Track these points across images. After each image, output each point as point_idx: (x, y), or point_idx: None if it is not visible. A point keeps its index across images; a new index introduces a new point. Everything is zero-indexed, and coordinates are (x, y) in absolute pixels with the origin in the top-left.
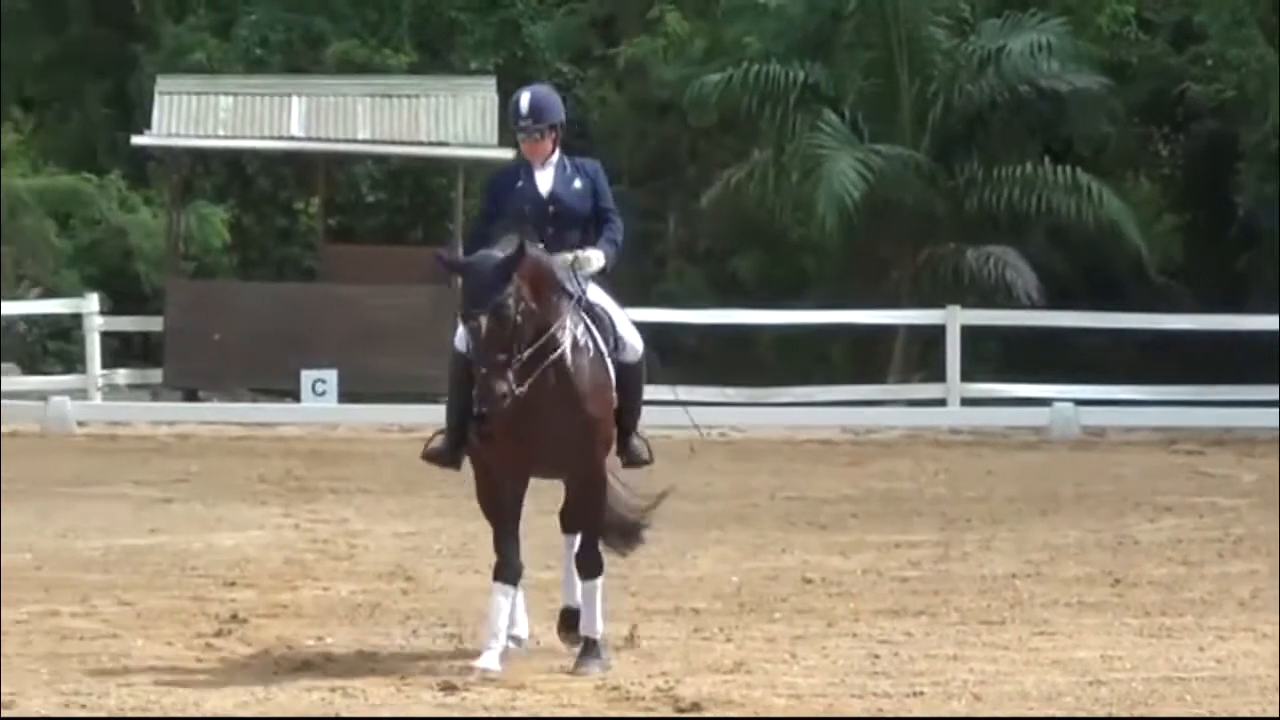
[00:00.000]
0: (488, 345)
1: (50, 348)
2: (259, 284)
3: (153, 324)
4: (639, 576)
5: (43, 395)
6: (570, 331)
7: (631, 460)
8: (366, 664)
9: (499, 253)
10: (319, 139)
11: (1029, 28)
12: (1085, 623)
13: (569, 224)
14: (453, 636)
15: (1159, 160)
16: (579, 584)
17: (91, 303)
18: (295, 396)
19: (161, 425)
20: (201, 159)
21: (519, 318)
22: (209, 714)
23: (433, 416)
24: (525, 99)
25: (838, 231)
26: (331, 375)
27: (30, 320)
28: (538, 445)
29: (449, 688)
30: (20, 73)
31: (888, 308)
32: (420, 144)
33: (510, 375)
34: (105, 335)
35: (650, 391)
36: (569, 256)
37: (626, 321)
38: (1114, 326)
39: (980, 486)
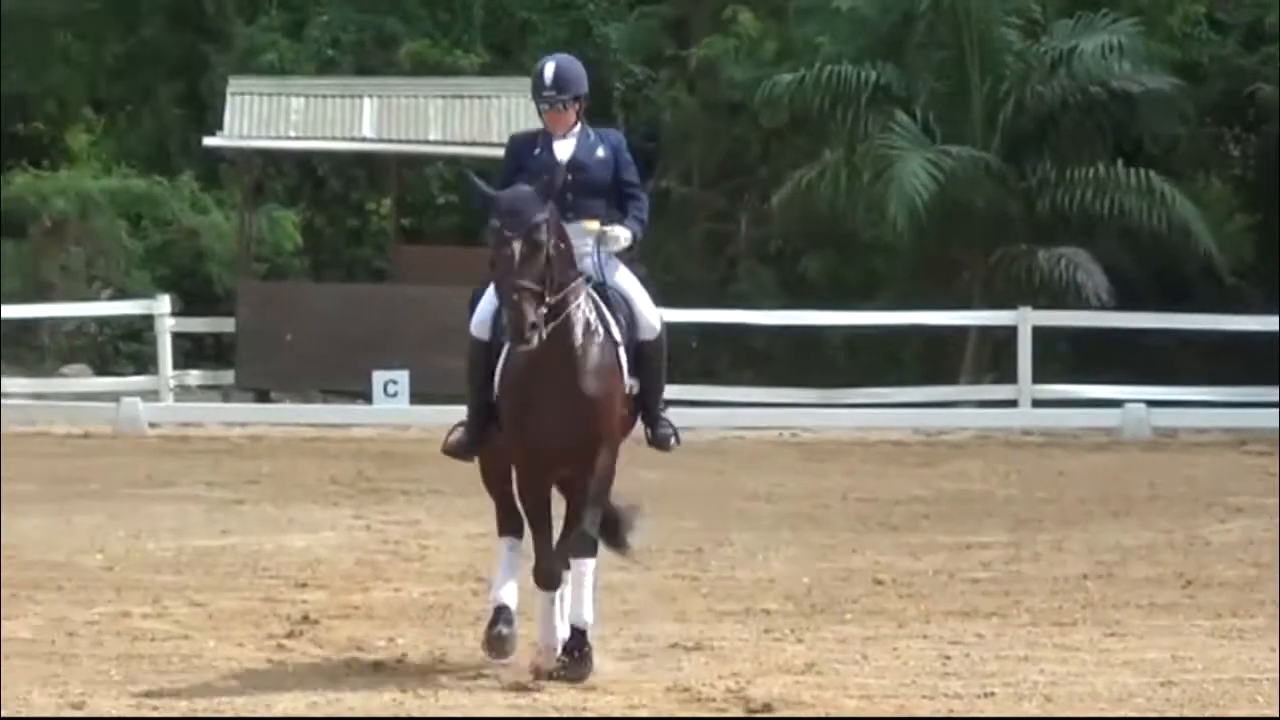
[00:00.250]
0: (521, 271)
1: (122, 349)
2: (330, 285)
3: (224, 325)
4: (710, 578)
5: (115, 396)
6: (582, 311)
7: (658, 442)
8: (437, 665)
9: (528, 186)
10: (390, 140)
11: (1100, 28)
12: (1156, 624)
13: (589, 193)
14: (523, 637)
15: (1230, 161)
16: (572, 565)
17: (163, 304)
18: (367, 398)
19: (233, 426)
20: (273, 160)
21: (553, 251)
22: (280, 715)
23: None
24: (549, 68)
25: (908, 232)
26: (403, 376)
27: (102, 321)
28: (544, 432)
29: (520, 689)
30: (93, 74)
31: (959, 309)
32: (492, 145)
33: (541, 308)
34: (177, 336)
35: (719, 392)
36: (594, 226)
37: (646, 299)
38: (1185, 328)
39: (1051, 488)
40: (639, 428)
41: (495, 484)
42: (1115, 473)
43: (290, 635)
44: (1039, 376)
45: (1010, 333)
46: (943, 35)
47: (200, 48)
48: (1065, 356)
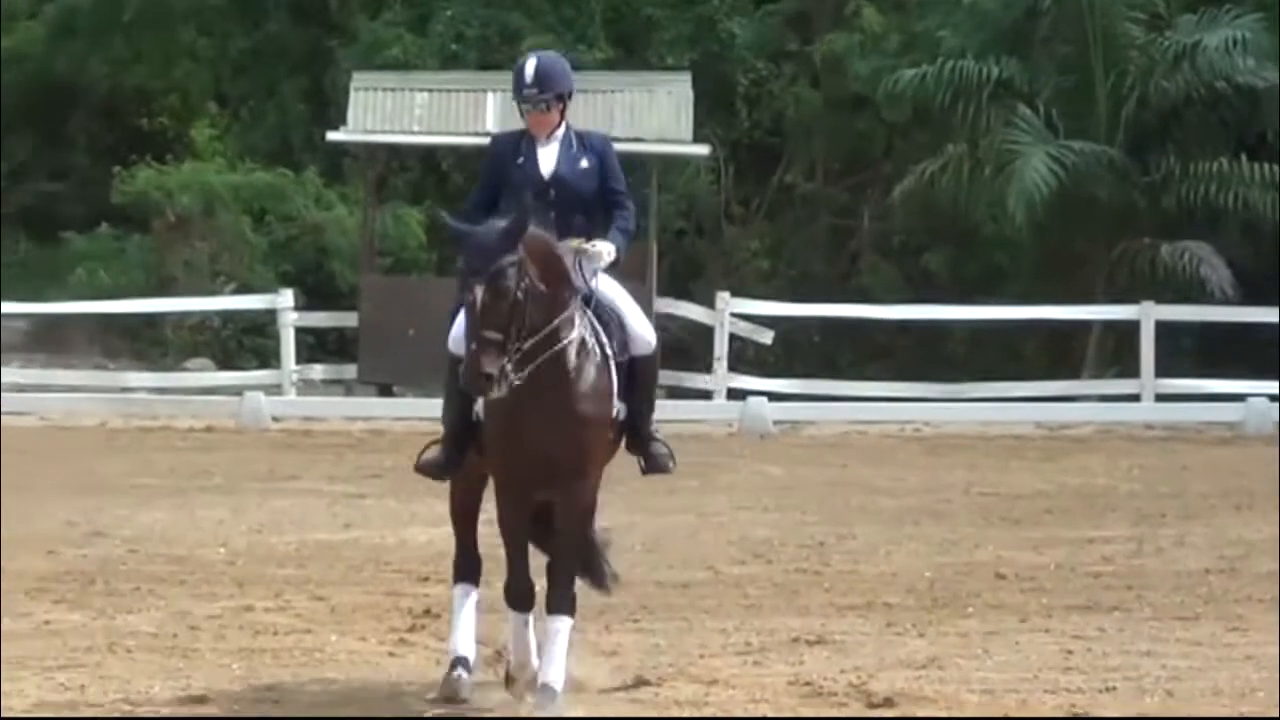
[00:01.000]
0: (482, 320)
1: (245, 343)
2: (453, 280)
3: (347, 320)
4: (832, 572)
5: (238, 390)
6: (578, 331)
7: (653, 466)
8: None
9: (501, 222)
10: None
11: (1224, 24)
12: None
13: (572, 207)
14: (645, 631)
15: None
16: (544, 622)
17: (286, 298)
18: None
19: (355, 421)
20: (396, 155)
21: (520, 294)
22: (401, 710)
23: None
24: (530, 64)
25: (1028, 227)
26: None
27: (225, 316)
28: (530, 457)
29: (641, 682)
30: (217, 69)
31: (1082, 303)
32: (615, 140)
33: (503, 359)
34: (300, 331)
35: (841, 387)
36: (574, 245)
37: (638, 312)
38: None
39: (1174, 482)
40: (630, 455)
41: (461, 521)
42: (1238, 467)
43: (412, 629)
44: (1162, 371)
45: (1133, 327)
46: (1066, 30)
47: (324, 43)
48: (1189, 351)
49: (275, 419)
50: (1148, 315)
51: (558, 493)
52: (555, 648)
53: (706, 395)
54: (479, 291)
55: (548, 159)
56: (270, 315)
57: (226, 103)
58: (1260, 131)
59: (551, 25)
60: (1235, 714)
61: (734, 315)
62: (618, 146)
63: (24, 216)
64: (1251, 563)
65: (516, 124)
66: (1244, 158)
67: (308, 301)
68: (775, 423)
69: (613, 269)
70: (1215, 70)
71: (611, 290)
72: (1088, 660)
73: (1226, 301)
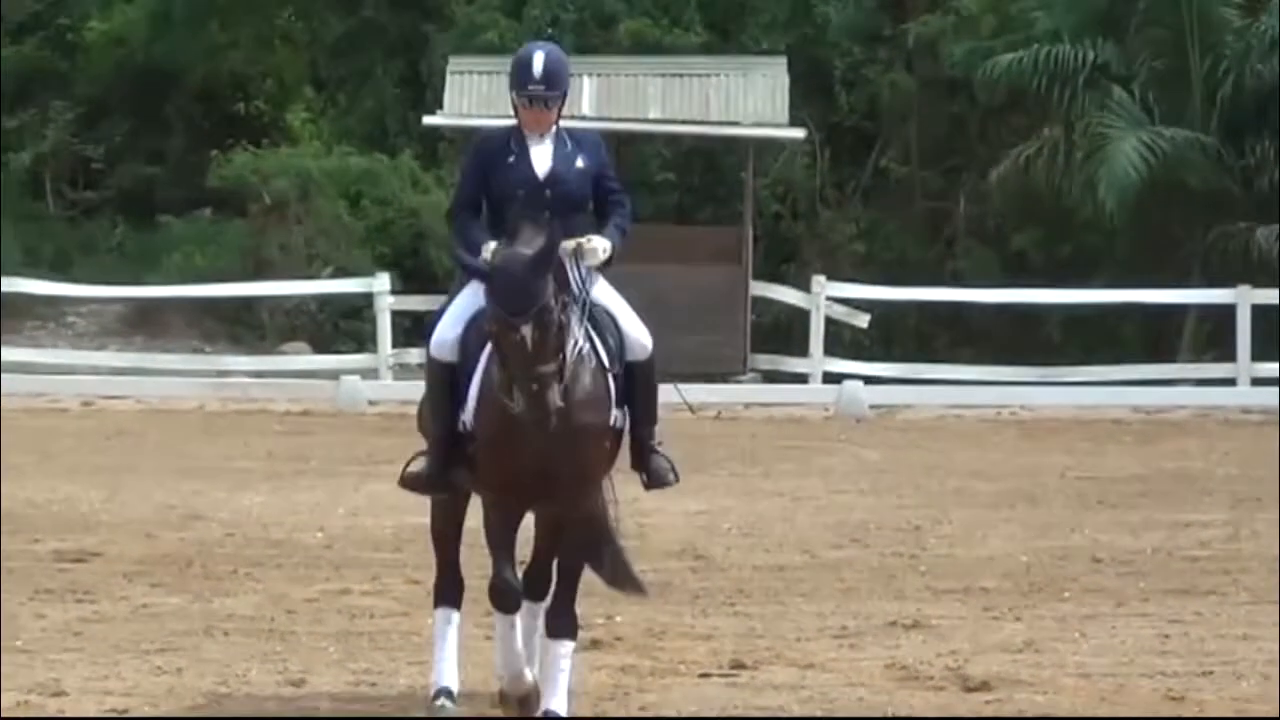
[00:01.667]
0: (536, 357)
1: (342, 327)
2: None
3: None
4: (928, 556)
5: (334, 374)
6: (575, 340)
7: (654, 480)
8: (655, 642)
9: (527, 250)
10: (609, 119)
11: None
12: None
13: (570, 208)
14: (741, 615)
15: None
16: (546, 647)
17: (383, 282)
18: None
19: None
20: None
21: (563, 319)
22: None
23: (724, 396)
24: (539, 59)
25: (1119, 213)
26: None
27: (322, 300)
28: (527, 470)
29: (738, 665)
30: (313, 53)
31: (1177, 287)
32: (711, 124)
33: (561, 385)
34: (396, 314)
35: (937, 370)
36: (570, 245)
37: (632, 315)
38: None
39: (1271, 466)
40: (629, 466)
41: (442, 540)
42: None
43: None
44: (1258, 355)
45: (1229, 311)
46: (1161, 14)
47: (420, 27)
48: None
49: (371, 403)
50: (1244, 299)
51: (557, 507)
52: (559, 674)
53: (802, 379)
54: (527, 331)
55: (542, 158)
56: (366, 299)
57: (322, 87)
58: None
59: (647, 9)
60: None
61: (830, 299)
62: (712, 131)
63: (121, 200)
64: None
65: (611, 105)
66: None
67: (404, 285)
68: (871, 406)
69: (605, 266)
70: None
71: (606, 294)
72: (1184, 644)
73: None
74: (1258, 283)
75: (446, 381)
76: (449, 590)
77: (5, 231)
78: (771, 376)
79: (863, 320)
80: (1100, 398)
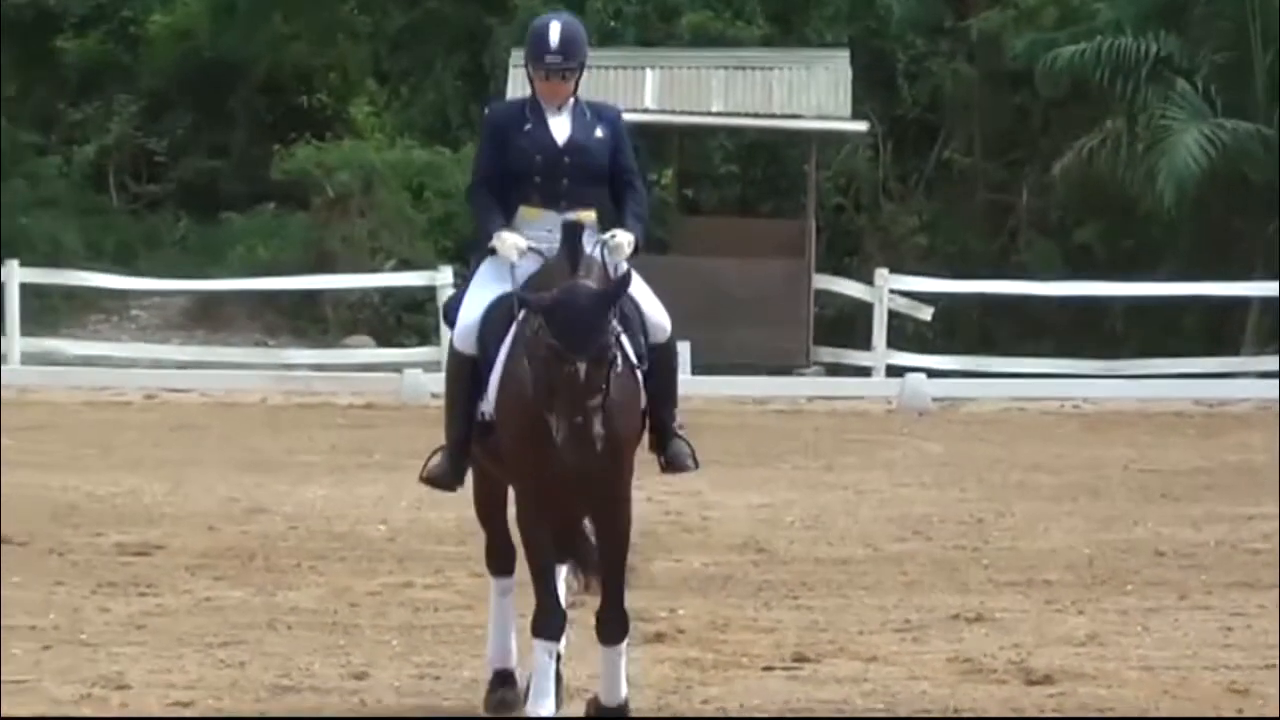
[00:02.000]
0: (586, 391)
1: (405, 320)
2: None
3: None
4: (991, 549)
5: (397, 367)
6: (617, 358)
7: (673, 464)
8: (717, 635)
9: (590, 282)
10: (672, 111)
11: None
12: None
13: (588, 179)
14: (804, 608)
15: None
16: (601, 653)
17: (445, 275)
18: None
19: None
20: None
21: (615, 351)
22: (565, 684)
23: (787, 389)
24: (555, 28)
25: (1178, 205)
26: (684, 347)
27: (385, 293)
28: (559, 473)
29: (800, 659)
30: (376, 46)
31: (1240, 279)
32: (774, 116)
33: (602, 414)
34: None
35: (1000, 363)
36: (591, 216)
37: (652, 297)
38: None
39: None
40: (648, 452)
41: (488, 513)
42: None
43: (572, 605)
44: None
45: None
46: (1224, 6)
47: (483, 20)
48: None
49: (435, 396)
50: None
51: (592, 512)
52: (615, 669)
53: (865, 372)
54: (582, 368)
55: (560, 126)
56: (429, 292)
57: (385, 80)
58: None
59: (709, 2)
60: None
61: (893, 291)
62: (775, 124)
63: (183, 194)
64: None
65: (674, 98)
66: None
67: (467, 278)
68: (934, 399)
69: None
70: None
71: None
72: (1247, 637)
73: None
74: None
75: (467, 375)
76: (501, 557)
77: (69, 224)
78: (834, 369)
79: (926, 313)
80: (1162, 390)
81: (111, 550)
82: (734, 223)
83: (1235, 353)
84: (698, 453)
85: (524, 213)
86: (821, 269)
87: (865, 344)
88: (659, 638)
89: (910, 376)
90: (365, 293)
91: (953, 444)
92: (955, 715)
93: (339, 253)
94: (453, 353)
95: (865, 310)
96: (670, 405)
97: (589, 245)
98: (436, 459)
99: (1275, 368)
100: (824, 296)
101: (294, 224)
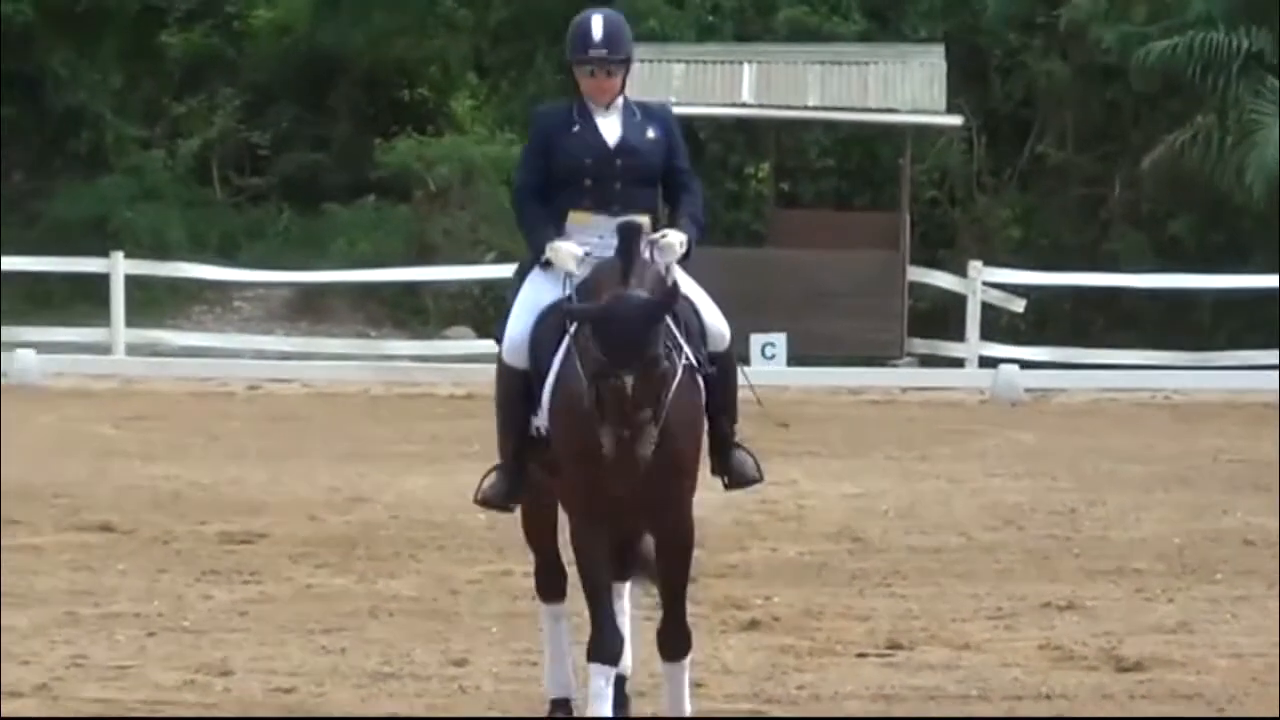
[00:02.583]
0: (634, 405)
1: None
2: (709, 249)
3: None
4: (1082, 538)
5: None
6: (675, 379)
7: (736, 479)
8: (812, 623)
9: (641, 292)
10: (769, 105)
11: None
12: None
13: (640, 181)
14: (898, 596)
15: None
16: (665, 671)
17: None
18: (745, 359)
19: None
20: None
21: (668, 365)
22: (655, 671)
23: (881, 380)
24: (597, 22)
25: (1267, 199)
26: (780, 339)
27: (485, 284)
28: (616, 480)
29: (894, 645)
30: (476, 40)
31: None
32: (869, 110)
33: (655, 427)
34: None
35: (1092, 355)
36: (644, 220)
37: (711, 304)
38: None
39: None
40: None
41: (538, 537)
42: None
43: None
44: None
45: None
46: None
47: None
48: None
49: None
50: None
51: (653, 526)
52: (678, 687)
53: (959, 363)
54: (629, 381)
55: (610, 128)
56: None
57: (485, 73)
58: None
59: None
60: None
61: (986, 284)
62: (870, 118)
63: (285, 187)
64: None
65: (771, 92)
66: None
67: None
68: (1026, 390)
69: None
70: None
71: (683, 283)
72: None
73: None
74: None
75: (519, 389)
76: (551, 582)
77: (173, 217)
78: (928, 360)
79: (1018, 305)
80: (1252, 382)
81: (215, 539)
82: (829, 215)
83: None
84: (761, 462)
85: (574, 218)
86: (915, 261)
87: (959, 335)
88: (754, 625)
89: (1003, 368)
90: (465, 284)
91: (1044, 434)
92: (1046, 701)
93: (439, 245)
94: (502, 367)
95: (959, 302)
96: (730, 417)
97: (644, 248)
98: (491, 479)
99: None
100: (917, 289)
101: (395, 217)
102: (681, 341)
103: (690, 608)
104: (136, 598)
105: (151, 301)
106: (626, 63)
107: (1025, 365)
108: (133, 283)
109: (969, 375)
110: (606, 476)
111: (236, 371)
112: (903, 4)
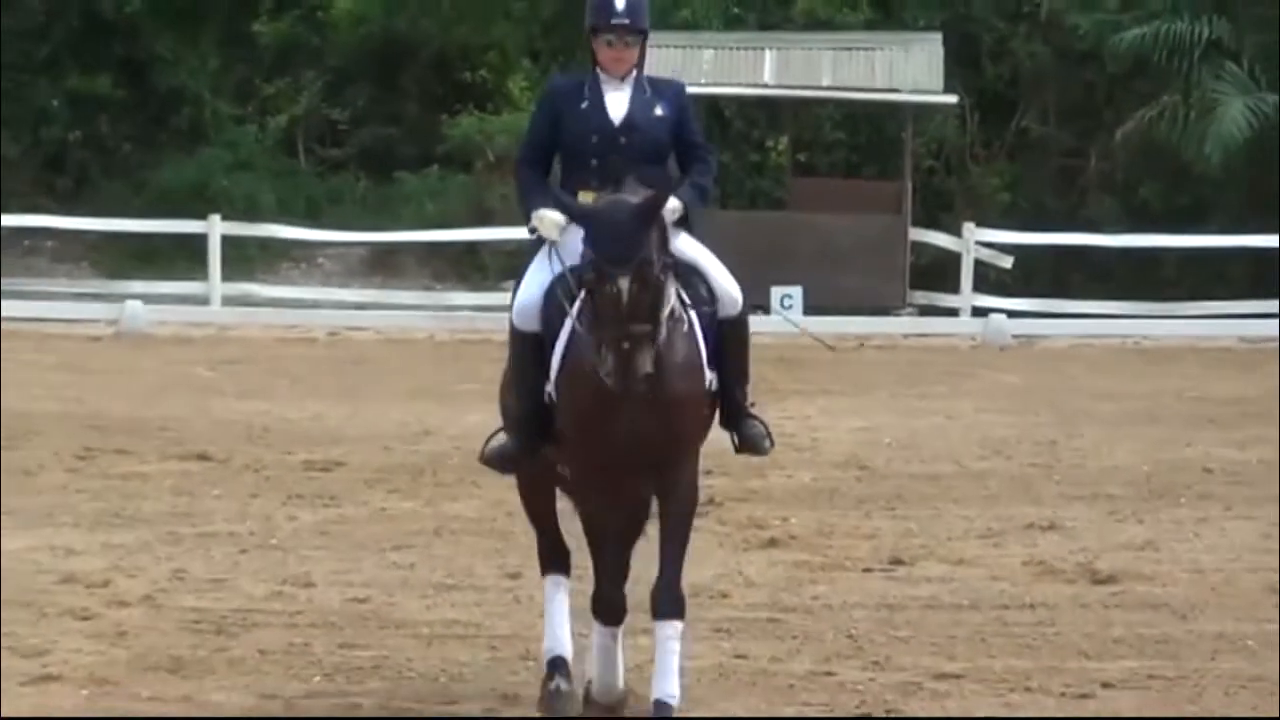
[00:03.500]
0: (630, 313)
1: None
2: (735, 212)
3: None
4: (1062, 466)
5: None
6: (670, 302)
7: (748, 445)
8: (824, 541)
9: (632, 198)
10: (787, 86)
11: None
12: None
13: (646, 158)
14: (900, 518)
15: None
16: (655, 628)
17: None
18: (765, 309)
19: None
20: None
21: (662, 276)
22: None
23: (885, 327)
24: None
25: (1224, 167)
26: (797, 291)
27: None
28: (619, 443)
29: (896, 561)
30: (530, 28)
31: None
32: (875, 90)
33: (654, 351)
34: None
35: (1070, 305)
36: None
37: (722, 269)
38: None
39: None
40: (719, 424)
41: (538, 507)
42: None
43: (699, 515)
44: None
45: None
46: None
47: None
48: None
49: None
50: None
51: (654, 482)
52: (670, 657)
53: (954, 312)
54: (624, 284)
55: (618, 104)
56: None
57: (538, 58)
58: None
59: None
60: None
61: (978, 243)
62: (876, 97)
63: (362, 158)
64: None
65: (789, 75)
66: None
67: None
68: (1014, 336)
69: (683, 226)
70: None
71: (690, 247)
72: None
73: None
74: None
75: (531, 353)
76: (554, 557)
77: (263, 185)
78: (926, 310)
79: (1006, 261)
80: (1211, 329)
81: (299, 467)
82: (840, 183)
83: (1274, 296)
84: (772, 431)
85: (583, 198)
86: (916, 223)
87: (954, 288)
88: (773, 543)
89: (992, 317)
90: (520, 243)
91: (1028, 375)
92: (1030, 610)
93: (497, 209)
94: (512, 331)
95: (954, 259)
96: (743, 382)
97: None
98: (499, 439)
99: None
100: (918, 247)
101: (458, 184)
102: (684, 296)
103: (716, 528)
104: (230, 519)
105: (244, 258)
106: (644, 35)
107: (1012, 314)
108: (227, 242)
109: (962, 323)
110: (613, 426)
111: (318, 320)
112: None
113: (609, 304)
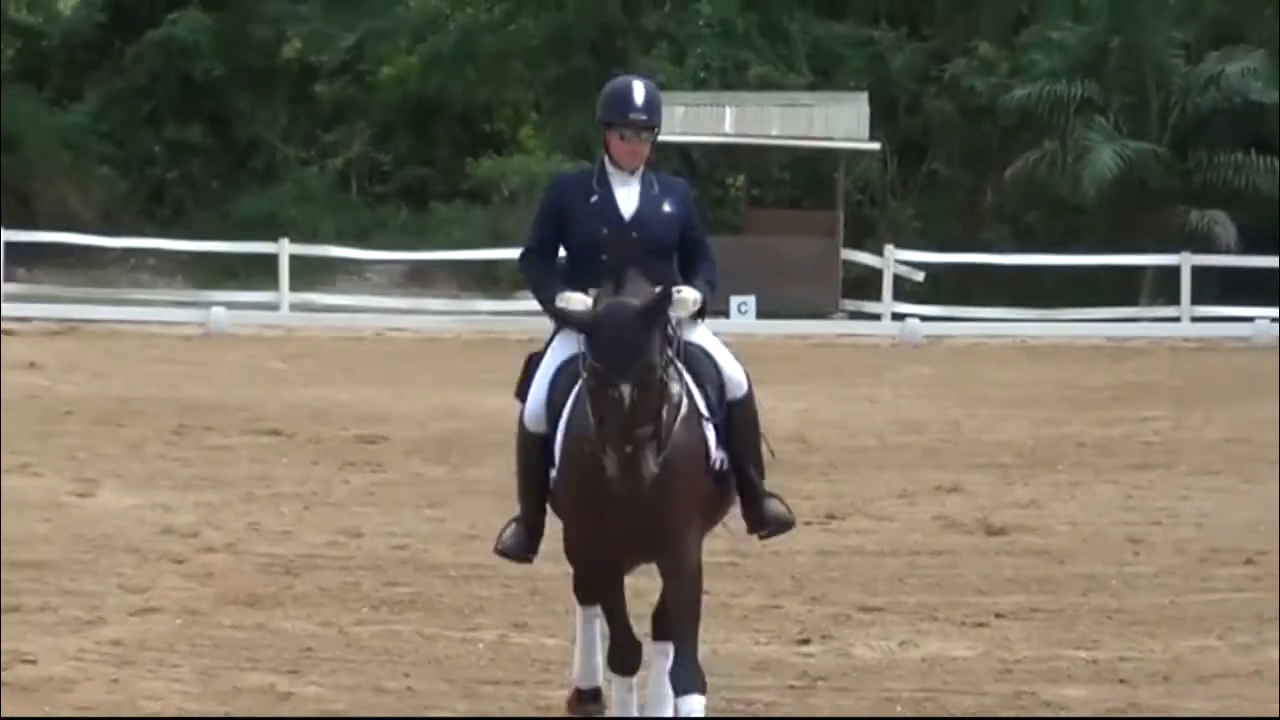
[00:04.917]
0: (633, 419)
1: None
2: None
3: None
4: (964, 440)
5: None
6: (675, 398)
7: (770, 526)
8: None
9: (634, 300)
10: (744, 135)
11: (1240, 57)
12: None
13: (656, 253)
14: (833, 481)
15: None
16: (679, 705)
17: None
18: (725, 315)
19: None
20: (662, 150)
21: (665, 378)
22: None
23: (822, 329)
24: (639, 88)
25: (1096, 201)
26: (751, 299)
27: None
28: (615, 520)
29: (830, 516)
30: (536, 90)
31: (1139, 253)
32: (814, 138)
33: (657, 450)
34: None
35: (970, 311)
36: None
37: (728, 353)
38: None
39: (1204, 379)
40: (741, 515)
41: (576, 549)
42: (1249, 368)
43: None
44: (1195, 300)
45: (1175, 269)
46: (1128, 62)
47: (613, 69)
48: (1213, 286)
49: None
50: (1185, 261)
51: (656, 558)
52: None
53: (877, 317)
54: (626, 390)
55: (628, 199)
56: None
57: (542, 112)
58: (1266, 133)
59: (770, 59)
60: (1243, 572)
61: (897, 261)
62: (815, 144)
63: (403, 192)
64: (1260, 434)
65: (745, 126)
66: (1253, 152)
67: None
68: (925, 336)
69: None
70: (1234, 89)
71: (701, 336)
72: (1142, 502)
73: (1230, 252)
74: (1194, 250)
75: (537, 452)
76: (589, 590)
77: (323, 214)
78: (855, 315)
79: (919, 276)
80: (1084, 331)
81: (351, 440)
82: (786, 213)
83: (1135, 304)
84: (792, 509)
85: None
86: (847, 245)
87: (877, 297)
88: None
89: (908, 320)
90: None
91: (938, 368)
92: (937, 556)
93: (511, 233)
94: (522, 431)
95: (877, 274)
96: (756, 464)
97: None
98: (511, 530)
99: (1164, 315)
100: (848, 264)
101: (480, 213)
102: (689, 382)
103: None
104: (296, 482)
105: (307, 273)
106: (657, 132)
107: (924, 319)
108: (294, 260)
109: (884, 326)
110: (610, 511)
111: (366, 323)
112: (838, 63)
113: (612, 409)
